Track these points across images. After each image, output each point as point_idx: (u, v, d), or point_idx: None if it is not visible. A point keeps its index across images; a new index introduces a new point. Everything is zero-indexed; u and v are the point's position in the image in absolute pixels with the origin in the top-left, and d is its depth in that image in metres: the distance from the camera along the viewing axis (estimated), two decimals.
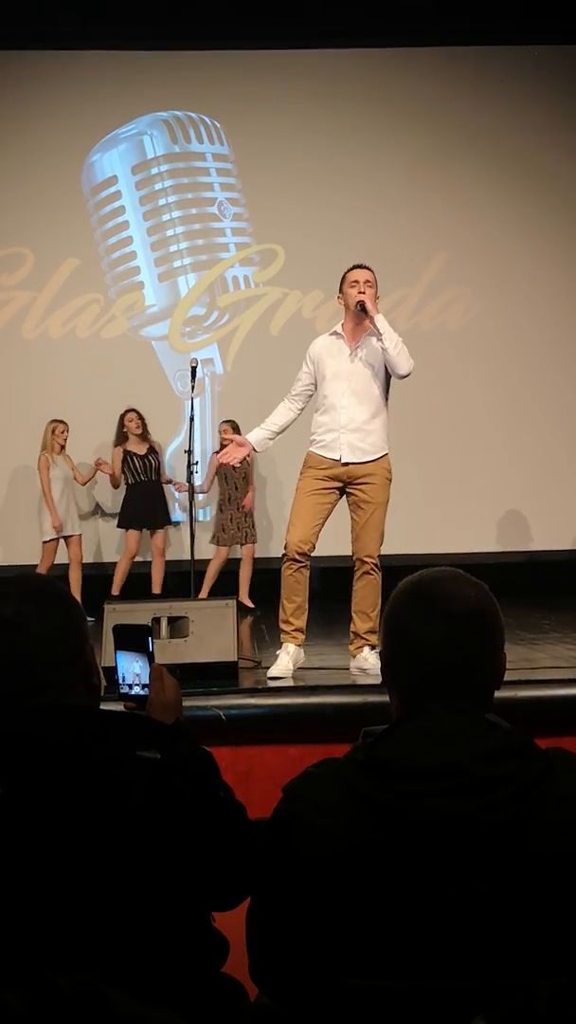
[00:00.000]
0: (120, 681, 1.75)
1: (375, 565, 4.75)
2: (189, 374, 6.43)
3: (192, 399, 6.50)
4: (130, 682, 1.74)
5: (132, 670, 1.74)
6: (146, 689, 1.72)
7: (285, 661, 4.63)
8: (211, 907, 1.57)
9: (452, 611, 1.48)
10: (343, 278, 4.86)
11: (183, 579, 7.59)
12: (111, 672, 1.81)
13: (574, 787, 1.39)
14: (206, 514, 8.25)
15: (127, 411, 7.88)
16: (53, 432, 7.68)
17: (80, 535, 7.73)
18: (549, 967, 1.28)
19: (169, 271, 8.54)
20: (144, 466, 7.81)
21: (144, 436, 7.88)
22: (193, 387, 6.46)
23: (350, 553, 4.84)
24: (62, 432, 7.70)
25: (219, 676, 4.30)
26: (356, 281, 4.77)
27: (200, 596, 7.50)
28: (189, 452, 6.71)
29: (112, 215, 8.52)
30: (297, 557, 4.71)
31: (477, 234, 8.52)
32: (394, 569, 4.50)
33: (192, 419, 6.47)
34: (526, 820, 1.34)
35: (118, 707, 1.70)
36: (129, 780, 1.44)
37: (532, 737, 1.42)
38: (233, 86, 8.44)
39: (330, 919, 1.35)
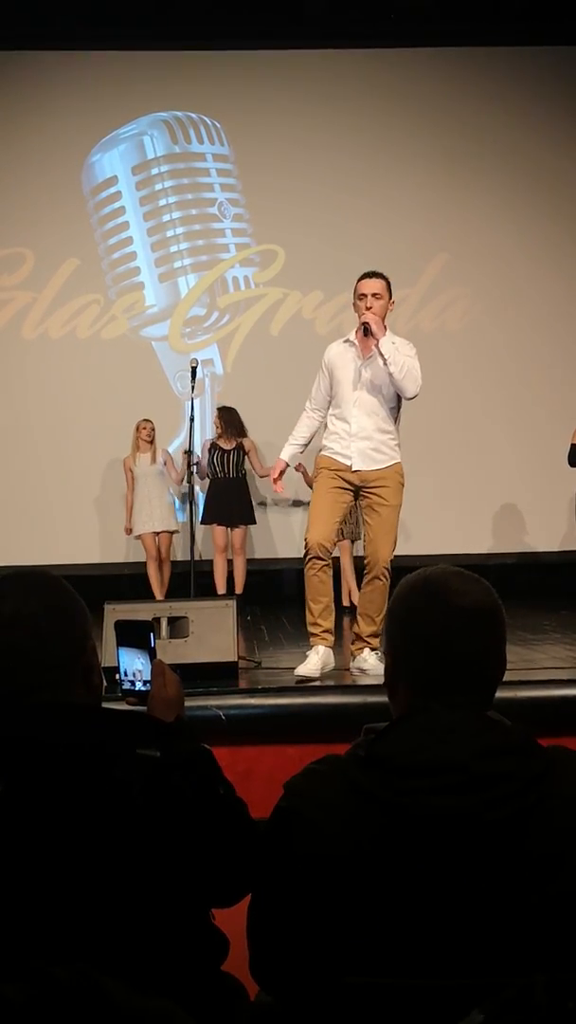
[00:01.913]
0: (122, 677, 1.75)
1: (386, 570, 4.67)
2: (189, 374, 6.44)
3: (192, 399, 6.51)
4: (132, 678, 1.74)
5: (134, 666, 1.74)
6: (148, 685, 1.71)
7: (315, 661, 4.51)
8: (211, 904, 1.58)
9: (467, 605, 1.50)
10: (355, 287, 4.75)
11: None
12: (112, 672, 1.81)
13: (574, 784, 1.39)
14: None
15: (219, 408, 7.89)
16: (137, 430, 7.70)
17: (171, 532, 7.69)
18: (549, 964, 1.28)
19: (169, 271, 8.54)
20: (223, 461, 7.71)
21: (232, 433, 7.75)
22: (193, 387, 6.47)
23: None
24: (143, 428, 7.69)
25: (219, 676, 4.30)
26: (364, 294, 4.67)
27: (350, 594, 7.39)
28: (189, 452, 6.73)
29: (112, 215, 8.53)
30: (320, 555, 4.62)
31: (478, 235, 8.53)
32: (392, 570, 4.51)
33: (192, 419, 6.48)
34: (526, 817, 1.34)
35: (118, 706, 1.70)
36: (129, 778, 1.44)
37: (532, 734, 1.43)
38: (233, 86, 8.45)
39: (330, 916, 1.35)
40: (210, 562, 7.76)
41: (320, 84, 8.48)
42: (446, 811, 1.34)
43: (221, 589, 7.51)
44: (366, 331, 4.62)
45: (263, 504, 8.36)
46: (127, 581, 7.78)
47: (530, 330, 8.55)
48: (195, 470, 7.02)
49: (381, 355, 4.61)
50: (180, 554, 7.91)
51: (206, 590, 7.47)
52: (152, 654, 1.73)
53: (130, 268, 8.52)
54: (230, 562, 7.77)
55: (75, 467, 8.30)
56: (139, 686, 1.72)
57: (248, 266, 8.60)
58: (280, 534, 8.44)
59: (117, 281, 8.51)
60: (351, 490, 4.75)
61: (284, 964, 1.42)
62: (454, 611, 1.49)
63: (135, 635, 1.76)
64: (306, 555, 4.68)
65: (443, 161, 8.51)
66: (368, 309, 4.64)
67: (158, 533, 7.65)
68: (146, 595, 7.53)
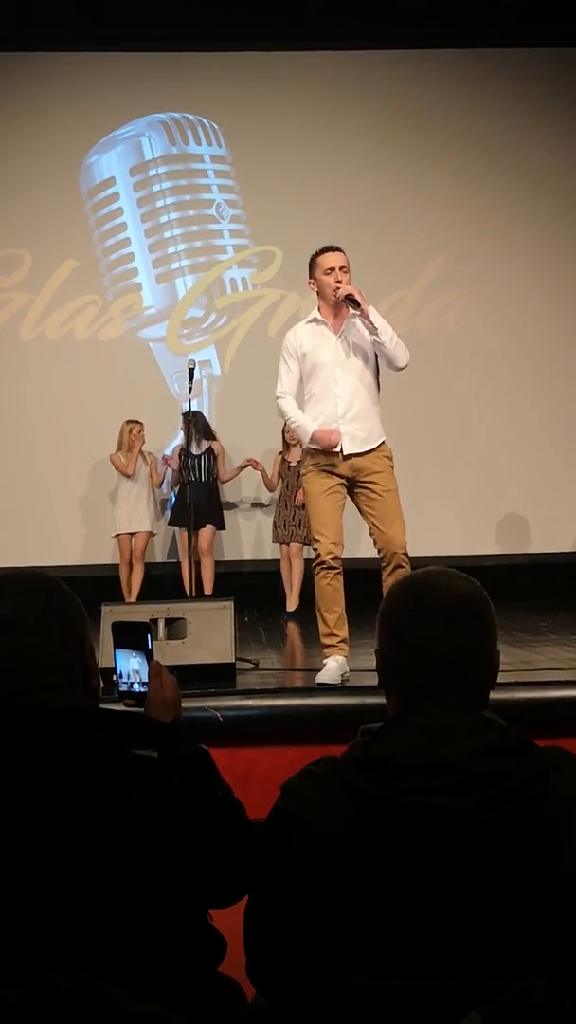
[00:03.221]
0: (119, 678, 1.75)
1: (405, 555, 4.47)
2: (187, 376, 6.43)
3: (190, 401, 6.50)
4: (129, 680, 1.74)
5: (131, 667, 1.74)
6: (145, 686, 1.71)
7: (334, 667, 4.37)
8: (208, 905, 1.57)
9: (446, 603, 1.49)
10: (314, 262, 4.55)
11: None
12: (109, 673, 1.81)
13: (570, 784, 1.39)
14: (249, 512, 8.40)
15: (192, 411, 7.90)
16: (130, 432, 7.71)
17: (147, 532, 7.73)
18: (545, 965, 1.28)
19: (167, 273, 8.54)
20: (195, 465, 7.70)
21: (200, 437, 7.72)
22: (191, 389, 6.46)
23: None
24: (140, 432, 7.70)
25: (216, 677, 4.30)
26: (332, 268, 4.47)
27: (291, 602, 7.56)
28: (185, 454, 6.73)
29: (110, 217, 8.53)
30: (332, 563, 4.44)
31: (475, 237, 8.53)
32: (373, 572, 4.49)
33: (189, 421, 6.48)
34: (522, 817, 1.34)
35: (116, 707, 1.70)
36: (125, 779, 1.44)
37: (529, 734, 1.43)
38: (231, 88, 8.45)
39: (328, 917, 1.35)
40: (266, 563, 7.78)
41: (318, 86, 8.48)
42: (443, 811, 1.34)
43: (188, 592, 7.45)
44: (353, 303, 4.41)
45: (260, 505, 8.36)
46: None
47: (528, 332, 8.54)
48: (186, 475, 7.03)
49: (371, 324, 4.42)
50: (160, 555, 7.98)
51: (230, 591, 7.43)
52: (149, 655, 1.73)
53: (128, 269, 8.52)
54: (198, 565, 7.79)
55: (72, 468, 8.29)
56: (136, 687, 1.72)
57: (246, 267, 8.59)
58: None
59: (115, 282, 8.51)
60: (343, 483, 4.55)
61: (281, 966, 1.42)
62: (435, 610, 1.49)
63: (132, 636, 1.76)
64: (318, 564, 4.50)
65: (441, 162, 8.51)
66: (339, 283, 4.44)
67: (134, 534, 7.70)
68: (142, 596, 7.52)
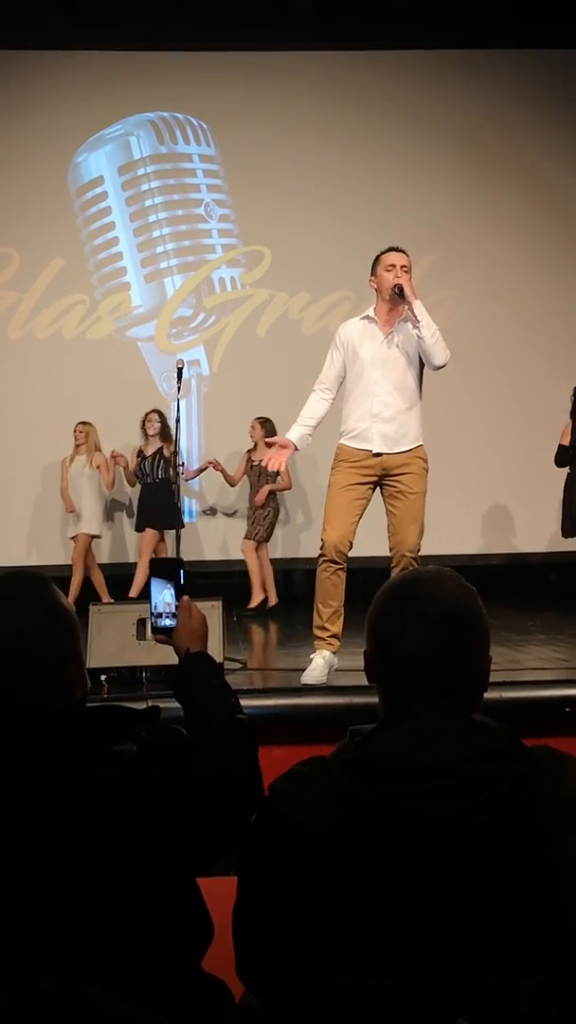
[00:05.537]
0: (152, 611, 1.86)
1: (415, 560, 4.51)
2: (175, 375, 6.42)
3: (178, 400, 6.49)
4: (160, 611, 1.85)
5: (163, 599, 1.86)
6: (174, 618, 1.83)
7: (320, 666, 4.38)
8: (205, 862, 1.55)
9: (431, 614, 1.47)
10: (377, 260, 4.59)
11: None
12: (98, 673, 1.82)
13: (559, 787, 1.39)
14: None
15: (148, 411, 7.85)
16: (74, 432, 7.74)
17: (86, 535, 7.57)
18: (533, 967, 1.28)
19: (155, 272, 8.53)
20: (150, 467, 7.69)
21: (158, 436, 7.71)
22: (179, 388, 6.45)
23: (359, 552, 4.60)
24: (79, 432, 7.71)
25: None
26: (393, 265, 4.48)
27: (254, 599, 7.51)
28: (175, 453, 6.72)
29: (98, 216, 8.51)
30: (335, 558, 4.44)
31: (464, 237, 8.54)
32: (380, 571, 4.51)
33: (178, 420, 6.47)
34: (511, 821, 1.34)
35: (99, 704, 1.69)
36: (106, 778, 1.43)
37: (519, 736, 1.42)
38: (220, 87, 8.44)
39: (315, 917, 1.35)
40: (200, 562, 7.76)
41: (307, 85, 8.48)
42: (432, 815, 1.34)
43: (133, 594, 7.26)
44: (400, 292, 4.44)
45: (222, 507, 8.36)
46: (109, 582, 7.75)
47: (516, 331, 8.56)
48: (181, 471, 7.01)
49: (414, 316, 4.44)
50: (107, 557, 8.05)
51: (197, 591, 7.41)
52: (179, 590, 1.85)
53: (116, 268, 8.51)
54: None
55: (60, 467, 8.26)
56: (166, 620, 1.84)
57: (234, 267, 8.59)
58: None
59: (103, 281, 8.49)
60: (371, 482, 4.56)
61: (271, 965, 1.42)
62: (417, 624, 1.46)
63: (166, 569, 1.89)
64: (320, 557, 4.52)
65: (430, 162, 8.52)
66: (398, 278, 4.47)
67: (75, 537, 7.62)
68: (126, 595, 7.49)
